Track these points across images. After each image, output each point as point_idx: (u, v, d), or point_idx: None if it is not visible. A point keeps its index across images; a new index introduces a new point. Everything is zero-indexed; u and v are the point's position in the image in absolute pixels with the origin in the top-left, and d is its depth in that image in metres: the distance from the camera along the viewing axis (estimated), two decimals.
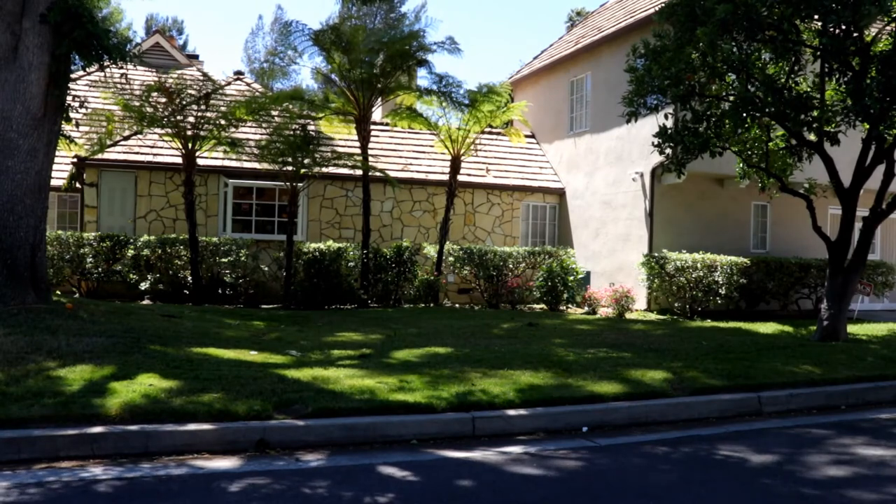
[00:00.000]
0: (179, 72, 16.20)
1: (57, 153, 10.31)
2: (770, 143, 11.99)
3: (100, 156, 15.26)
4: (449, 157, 17.16)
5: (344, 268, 15.52)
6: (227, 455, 5.53)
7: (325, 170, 15.61)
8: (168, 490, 4.74)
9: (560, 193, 19.61)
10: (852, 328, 12.38)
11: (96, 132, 14.32)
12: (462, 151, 16.81)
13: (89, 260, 14.75)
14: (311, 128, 15.34)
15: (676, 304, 15.36)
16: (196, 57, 27.93)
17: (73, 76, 10.55)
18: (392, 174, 16.66)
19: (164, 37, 26.72)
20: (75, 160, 15.57)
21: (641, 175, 16.37)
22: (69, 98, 10.35)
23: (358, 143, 16.19)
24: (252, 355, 8.24)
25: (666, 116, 12.63)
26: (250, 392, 6.41)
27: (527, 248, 17.32)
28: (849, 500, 4.85)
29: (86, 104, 11.29)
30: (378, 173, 15.80)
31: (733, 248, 16.31)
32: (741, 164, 12.92)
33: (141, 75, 17.12)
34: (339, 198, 17.80)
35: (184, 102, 14.06)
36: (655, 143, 11.50)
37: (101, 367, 6.92)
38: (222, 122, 14.33)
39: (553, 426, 6.59)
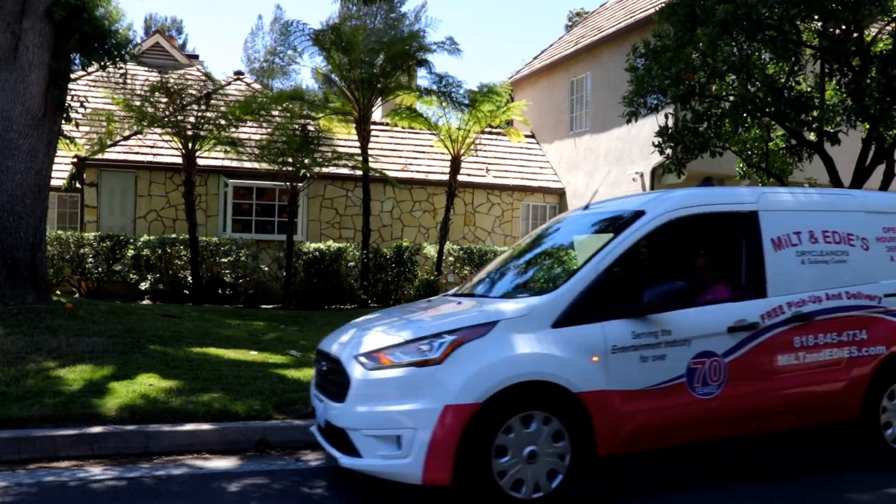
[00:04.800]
0: (180, 71, 16.18)
1: (57, 153, 10.30)
2: (770, 143, 11.98)
3: (100, 156, 15.26)
4: (449, 157, 17.15)
5: (344, 268, 15.51)
6: (226, 455, 5.53)
7: (325, 170, 15.60)
8: (167, 490, 4.74)
9: (560, 193, 19.61)
10: None
11: (96, 132, 14.30)
12: (462, 151, 16.80)
13: (89, 260, 14.75)
14: (311, 128, 15.34)
15: None
16: (196, 57, 27.93)
17: (73, 76, 10.55)
18: (392, 174, 16.65)
19: (164, 37, 26.71)
20: (75, 160, 15.56)
21: (641, 175, 16.35)
22: (69, 98, 10.35)
23: (358, 143, 16.18)
24: (252, 355, 8.24)
25: (666, 116, 12.62)
26: (250, 392, 6.41)
27: None
28: None
29: (86, 104, 11.27)
30: (378, 173, 15.79)
31: None
32: (741, 164, 12.91)
33: (141, 75, 17.11)
34: (339, 198, 17.80)
35: (184, 102, 14.06)
36: (655, 143, 11.50)
37: (101, 367, 6.92)
38: (222, 121, 14.33)
39: None
